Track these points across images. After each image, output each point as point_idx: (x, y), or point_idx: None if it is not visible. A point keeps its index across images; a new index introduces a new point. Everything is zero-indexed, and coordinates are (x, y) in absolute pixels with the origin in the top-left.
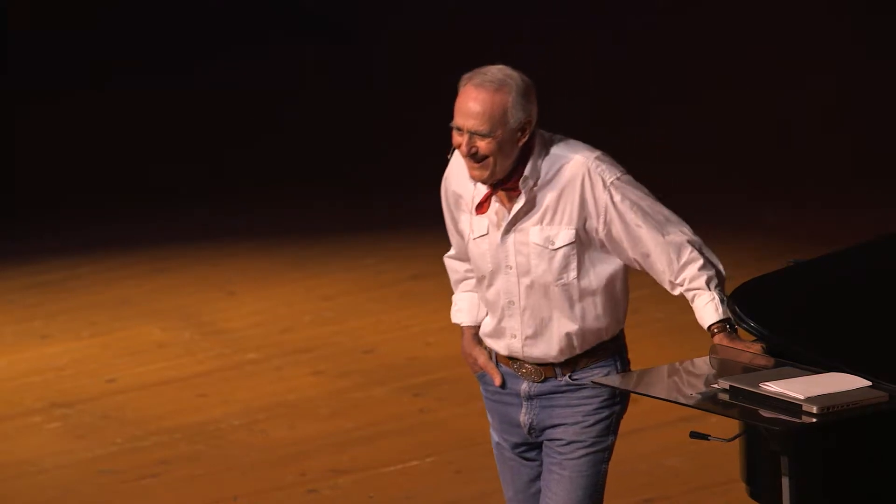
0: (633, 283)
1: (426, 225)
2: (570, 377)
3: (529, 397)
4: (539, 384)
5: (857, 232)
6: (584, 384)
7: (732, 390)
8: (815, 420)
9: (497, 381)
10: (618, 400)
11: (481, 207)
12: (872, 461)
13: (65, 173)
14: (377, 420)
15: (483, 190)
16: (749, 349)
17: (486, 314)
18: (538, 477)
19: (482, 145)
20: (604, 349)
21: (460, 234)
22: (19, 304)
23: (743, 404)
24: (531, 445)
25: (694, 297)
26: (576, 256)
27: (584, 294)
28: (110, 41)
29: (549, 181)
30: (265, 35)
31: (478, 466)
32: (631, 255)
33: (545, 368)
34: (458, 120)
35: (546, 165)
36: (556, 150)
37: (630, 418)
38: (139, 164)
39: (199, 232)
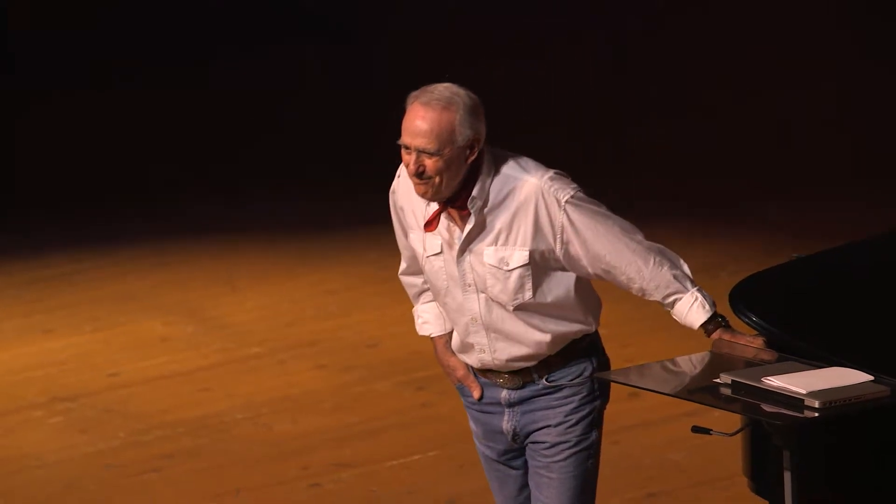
0: None
1: None
2: (546, 380)
3: (510, 404)
4: (517, 391)
5: (858, 230)
6: (561, 385)
7: (734, 385)
8: (817, 414)
9: (476, 394)
10: (597, 394)
11: (430, 225)
12: (874, 455)
13: (67, 170)
14: (380, 414)
15: (434, 207)
16: (751, 343)
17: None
18: (526, 485)
19: (429, 164)
20: (577, 349)
21: (412, 249)
22: (22, 299)
23: (745, 399)
24: (517, 453)
25: (674, 301)
26: (530, 277)
27: (542, 308)
28: (110, 41)
29: (501, 202)
30: (265, 35)
31: (480, 461)
32: (591, 272)
33: (521, 374)
34: (406, 138)
35: (497, 185)
36: (507, 169)
37: (633, 413)
38: (141, 162)
39: (202, 227)
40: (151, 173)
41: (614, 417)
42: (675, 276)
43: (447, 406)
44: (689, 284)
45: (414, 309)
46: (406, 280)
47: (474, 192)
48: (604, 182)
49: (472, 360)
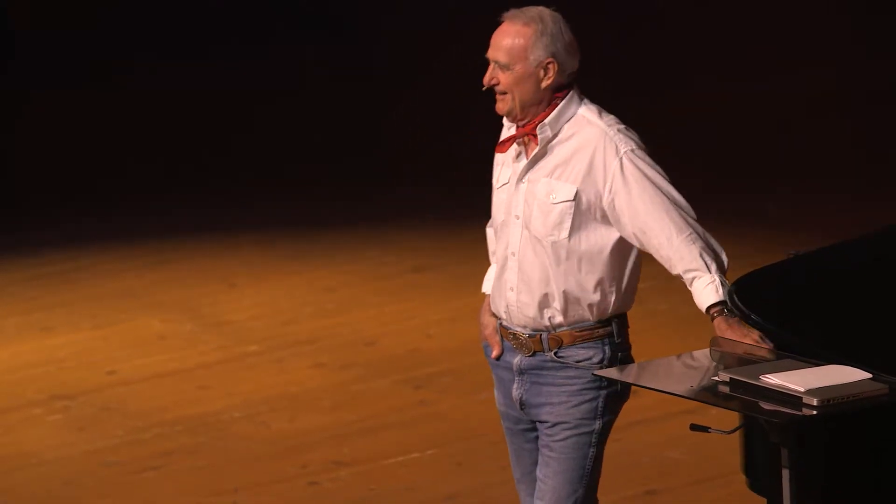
0: None
1: (427, 218)
2: (555, 354)
3: (521, 371)
4: (529, 358)
5: (857, 227)
6: (568, 363)
7: (733, 382)
8: (815, 412)
9: (495, 352)
10: (604, 384)
11: (502, 146)
12: (872, 453)
13: (65, 168)
14: (378, 412)
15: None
16: (749, 336)
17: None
18: None
19: (502, 77)
20: (590, 330)
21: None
22: (20, 297)
23: (743, 396)
24: (530, 425)
25: (693, 279)
26: (571, 217)
27: (570, 256)
28: (110, 41)
29: (567, 139)
30: (265, 34)
31: (479, 458)
32: (630, 230)
33: (533, 341)
34: (489, 51)
35: (571, 124)
36: (585, 111)
37: (632, 411)
38: (140, 159)
39: (200, 224)
40: (150, 171)
41: None
42: (701, 255)
43: (446, 404)
44: (713, 268)
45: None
46: (488, 233)
47: (546, 120)
48: None
49: (501, 304)
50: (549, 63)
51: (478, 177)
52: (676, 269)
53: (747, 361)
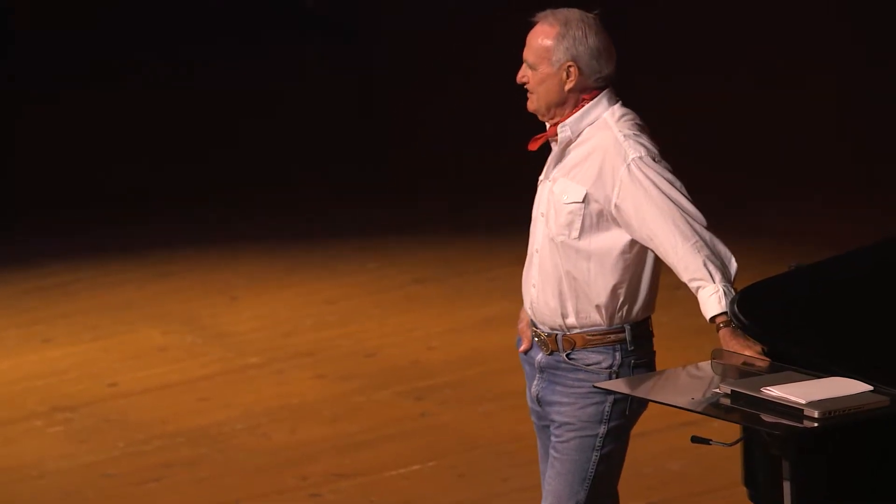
0: None
1: (428, 229)
2: (567, 356)
3: (541, 369)
4: (547, 357)
5: (859, 234)
6: (578, 366)
7: (734, 395)
8: (816, 424)
9: (523, 346)
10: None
11: (533, 142)
12: (873, 465)
13: (65, 175)
14: (379, 424)
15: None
16: (751, 347)
17: None
18: None
19: (530, 76)
20: (602, 335)
21: None
22: (21, 308)
23: (744, 409)
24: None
25: (698, 288)
26: (581, 217)
27: (580, 257)
28: (110, 41)
29: (586, 141)
30: (265, 35)
31: (480, 470)
32: (639, 235)
33: (551, 340)
34: (524, 50)
35: (592, 127)
36: (608, 116)
37: None
38: (140, 166)
39: (201, 236)
40: (150, 179)
41: None
42: (705, 264)
43: (446, 416)
44: (718, 277)
45: None
46: None
47: (567, 121)
48: None
49: (527, 300)
50: (569, 66)
51: (479, 187)
52: (683, 278)
53: (749, 373)
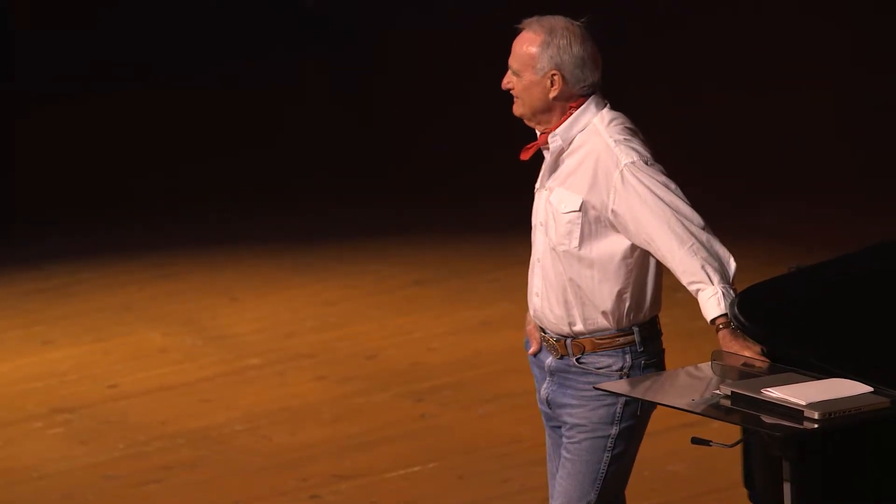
0: None
1: (429, 231)
2: (577, 360)
3: (551, 372)
4: (557, 360)
5: (859, 236)
6: (589, 370)
7: (734, 396)
8: (816, 426)
9: (533, 347)
10: None
11: (525, 152)
12: (873, 467)
13: (66, 177)
14: (379, 425)
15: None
16: (750, 349)
17: None
18: None
19: (514, 82)
20: (611, 339)
21: None
22: (21, 310)
23: (744, 410)
24: (559, 424)
25: (697, 291)
26: (579, 226)
27: (583, 264)
28: (110, 42)
29: (578, 148)
30: (266, 36)
31: (480, 472)
32: (637, 240)
33: (559, 345)
34: (510, 56)
35: (583, 133)
36: (598, 121)
37: None
38: (141, 168)
39: (201, 237)
40: (151, 181)
41: None
42: (703, 267)
43: (447, 418)
44: (716, 279)
45: None
46: None
47: (557, 130)
48: None
49: (532, 305)
50: (553, 74)
51: (479, 189)
52: (682, 281)
53: (749, 375)
